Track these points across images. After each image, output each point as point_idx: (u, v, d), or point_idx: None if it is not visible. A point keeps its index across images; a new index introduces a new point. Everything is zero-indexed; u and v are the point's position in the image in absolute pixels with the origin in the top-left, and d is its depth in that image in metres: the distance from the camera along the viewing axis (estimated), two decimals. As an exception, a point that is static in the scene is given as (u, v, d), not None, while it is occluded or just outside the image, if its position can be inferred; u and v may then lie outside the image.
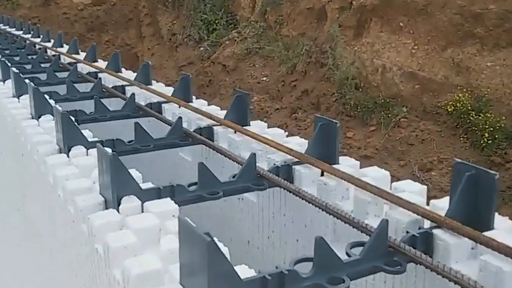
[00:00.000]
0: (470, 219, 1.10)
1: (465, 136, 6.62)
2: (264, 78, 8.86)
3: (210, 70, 9.49)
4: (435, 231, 1.09)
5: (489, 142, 6.09)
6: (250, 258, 1.69)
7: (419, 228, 1.13)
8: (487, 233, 1.06)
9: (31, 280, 2.29)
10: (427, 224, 1.17)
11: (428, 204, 1.26)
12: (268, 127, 1.95)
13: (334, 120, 1.49)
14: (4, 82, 2.65)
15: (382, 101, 7.43)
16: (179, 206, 1.29)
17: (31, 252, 2.21)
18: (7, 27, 5.36)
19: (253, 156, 1.44)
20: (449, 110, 6.64)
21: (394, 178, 1.45)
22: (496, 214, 1.14)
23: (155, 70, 10.50)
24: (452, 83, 6.77)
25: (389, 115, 7.34)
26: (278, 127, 1.93)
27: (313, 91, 8.30)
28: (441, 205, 1.21)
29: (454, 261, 1.05)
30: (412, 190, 1.31)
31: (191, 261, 0.89)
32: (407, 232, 1.11)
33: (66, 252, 1.52)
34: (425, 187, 1.33)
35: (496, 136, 6.09)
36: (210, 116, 1.96)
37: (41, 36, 4.40)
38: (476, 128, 6.28)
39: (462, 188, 1.11)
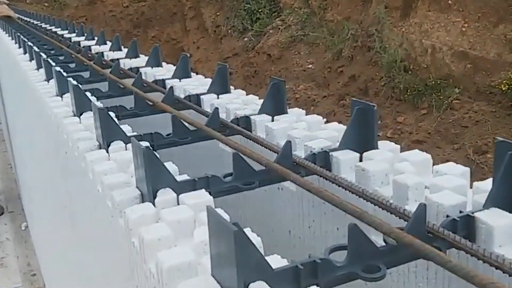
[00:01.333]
0: (515, 201, 1.04)
1: (521, 115, 6.39)
2: (310, 66, 8.79)
3: (255, 61, 9.49)
4: (477, 214, 1.04)
5: (547, 120, 5.86)
6: (292, 248, 1.67)
7: (460, 212, 1.08)
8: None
9: (79, 276, 2.34)
10: (469, 207, 1.12)
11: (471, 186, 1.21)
12: (314, 115, 1.91)
13: (371, 103, 1.44)
14: (48, 82, 2.71)
15: (433, 83, 7.24)
16: (214, 197, 1.28)
17: (77, 249, 2.26)
18: (53, 27, 5.50)
19: (288, 143, 1.41)
20: (503, 89, 6.40)
21: (448, 162, 1.39)
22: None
23: (201, 63, 10.59)
24: (505, 60, 6.52)
25: (441, 97, 7.15)
26: (326, 115, 1.89)
27: (361, 76, 8.18)
28: (485, 187, 1.15)
29: (498, 245, 1.00)
30: (454, 173, 1.25)
31: (220, 252, 0.88)
32: (447, 216, 1.06)
33: (107, 246, 1.54)
34: (468, 169, 1.27)
35: (554, 113, 5.85)
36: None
37: (85, 34, 4.49)
38: (532, 106, 6.05)
39: (505, 169, 1.05)
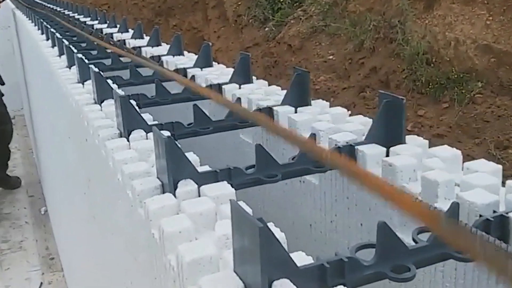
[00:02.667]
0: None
1: (546, 111, 6.26)
2: (331, 57, 8.70)
3: (276, 51, 9.42)
4: (511, 214, 0.99)
5: None
6: (313, 242, 1.64)
7: (494, 212, 1.04)
8: None
9: (96, 263, 2.34)
10: (502, 207, 1.08)
11: (503, 185, 1.16)
12: (338, 107, 1.87)
13: (400, 96, 1.40)
14: (70, 68, 2.70)
15: (456, 76, 7.12)
16: (236, 189, 1.25)
17: (95, 236, 2.25)
18: (76, 14, 5.50)
19: (312, 136, 1.37)
20: (528, 84, 6.27)
21: (469, 157, 1.34)
22: None
23: (221, 52, 10.55)
24: (531, 55, 6.39)
25: (463, 91, 7.03)
26: (346, 107, 1.85)
27: (382, 68, 8.07)
28: (519, 186, 1.11)
29: (534, 247, 0.95)
30: (486, 170, 1.20)
31: (243, 248, 0.85)
32: (480, 216, 1.02)
33: (126, 236, 1.52)
34: (500, 166, 1.22)
35: None
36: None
37: (107, 22, 4.48)
38: (558, 102, 5.92)
39: (543, 168, 1.01)
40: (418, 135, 1.51)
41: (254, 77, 2.32)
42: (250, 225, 0.82)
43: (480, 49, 6.94)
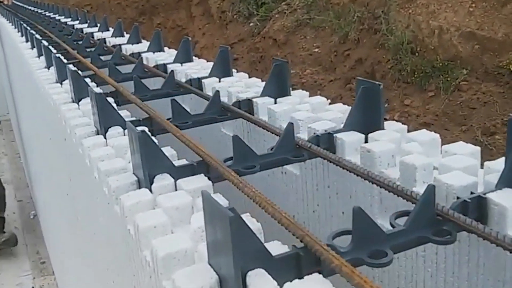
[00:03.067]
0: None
1: (531, 95, 6.29)
2: (316, 50, 8.68)
3: (261, 46, 9.39)
4: (489, 195, 0.98)
5: (558, 100, 5.76)
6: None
7: (471, 193, 1.03)
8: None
9: (84, 264, 2.32)
10: (480, 188, 1.07)
11: (482, 166, 1.15)
12: (318, 96, 1.85)
13: (377, 82, 1.38)
14: (48, 69, 2.67)
15: (441, 64, 7.13)
16: (214, 182, 1.23)
17: (80, 236, 2.23)
18: (57, 15, 5.45)
19: (290, 126, 1.36)
20: (512, 69, 6.29)
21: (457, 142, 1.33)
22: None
23: (207, 49, 10.51)
24: (514, 40, 6.41)
25: (448, 79, 7.04)
26: (333, 99, 1.83)
27: (367, 59, 8.07)
28: (497, 167, 1.10)
29: (511, 227, 0.94)
30: (464, 152, 1.19)
31: (216, 239, 0.83)
32: (458, 198, 1.01)
33: (105, 234, 1.50)
34: (479, 148, 1.21)
35: None
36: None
37: (88, 21, 4.44)
38: (542, 86, 5.95)
39: (518, 147, 0.99)
40: (405, 124, 1.50)
41: (234, 70, 2.30)
42: (221, 215, 0.80)
43: (464, 36, 6.96)
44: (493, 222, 0.97)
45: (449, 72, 6.93)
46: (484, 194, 0.99)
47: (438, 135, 1.32)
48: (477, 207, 0.98)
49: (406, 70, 7.27)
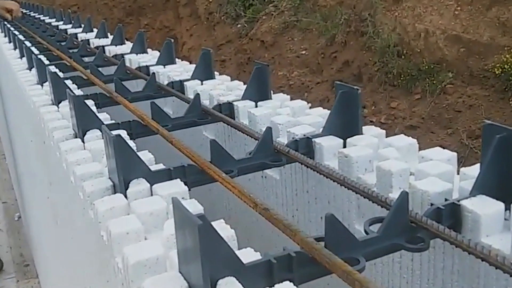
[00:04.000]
0: (503, 187, 0.98)
1: (515, 99, 6.34)
2: (303, 52, 8.69)
3: (249, 47, 9.39)
4: (463, 202, 0.98)
5: (541, 103, 5.81)
6: (276, 238, 1.62)
7: (446, 200, 1.02)
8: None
9: (65, 267, 2.29)
10: (456, 195, 1.06)
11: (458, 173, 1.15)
12: (309, 102, 1.84)
13: (355, 87, 1.38)
14: (30, 70, 2.64)
15: (426, 67, 7.17)
16: (190, 187, 1.22)
17: (59, 240, 2.20)
18: (41, 15, 5.41)
19: (268, 130, 1.35)
20: (497, 72, 6.33)
21: (442, 147, 1.32)
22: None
23: (194, 51, 10.48)
24: (499, 44, 6.45)
25: (434, 82, 7.08)
26: (320, 101, 1.83)
27: (354, 62, 8.10)
28: (472, 173, 1.09)
29: (485, 234, 0.94)
30: (441, 158, 1.19)
31: (186, 247, 0.82)
32: (432, 204, 1.01)
33: (81, 239, 1.48)
34: (455, 154, 1.21)
35: (549, 97, 5.80)
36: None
37: (72, 22, 4.41)
38: (526, 90, 6.00)
39: (493, 154, 0.99)
40: (391, 127, 1.50)
41: (216, 73, 2.29)
42: (190, 223, 0.79)
43: (449, 39, 7.00)
44: (467, 229, 0.97)
45: (435, 75, 6.97)
46: (458, 201, 0.99)
47: (415, 140, 1.32)
48: (451, 214, 0.98)
49: (393, 73, 7.30)
